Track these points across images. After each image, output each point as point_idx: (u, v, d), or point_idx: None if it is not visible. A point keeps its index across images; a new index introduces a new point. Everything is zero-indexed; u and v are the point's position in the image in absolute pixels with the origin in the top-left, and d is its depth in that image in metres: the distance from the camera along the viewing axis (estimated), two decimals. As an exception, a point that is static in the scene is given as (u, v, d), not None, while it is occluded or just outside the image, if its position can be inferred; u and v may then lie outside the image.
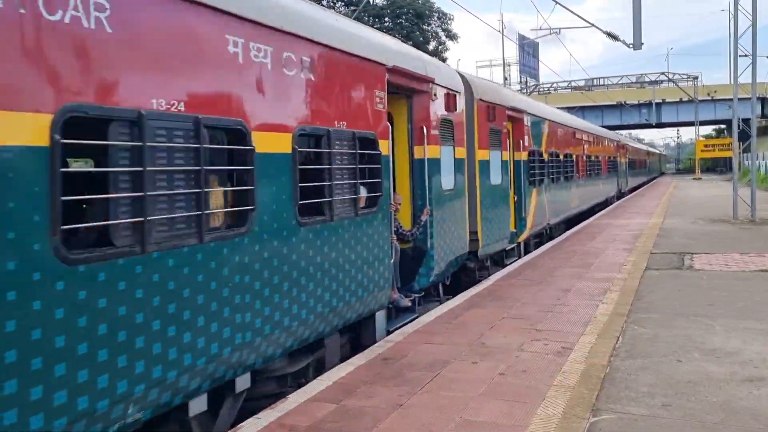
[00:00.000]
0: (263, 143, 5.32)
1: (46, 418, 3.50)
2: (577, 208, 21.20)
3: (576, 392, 5.43)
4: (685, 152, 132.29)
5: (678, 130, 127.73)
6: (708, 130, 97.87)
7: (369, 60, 7.13)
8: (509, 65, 63.08)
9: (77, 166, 5.68)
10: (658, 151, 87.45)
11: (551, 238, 17.46)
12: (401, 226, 8.43)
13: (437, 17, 53.01)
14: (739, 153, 26.37)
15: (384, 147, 7.42)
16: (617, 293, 9.46)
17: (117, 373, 3.93)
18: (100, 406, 3.83)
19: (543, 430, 4.70)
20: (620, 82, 62.77)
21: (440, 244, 9.06)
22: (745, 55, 20.54)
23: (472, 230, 10.60)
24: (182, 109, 4.49)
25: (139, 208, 4.12)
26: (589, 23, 22.80)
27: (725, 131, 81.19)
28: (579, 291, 9.74)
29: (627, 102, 63.66)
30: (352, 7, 44.29)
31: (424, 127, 8.65)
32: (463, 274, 10.98)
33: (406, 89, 8.41)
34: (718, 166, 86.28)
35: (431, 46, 51.82)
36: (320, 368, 6.47)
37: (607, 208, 27.24)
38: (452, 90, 9.82)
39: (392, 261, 7.71)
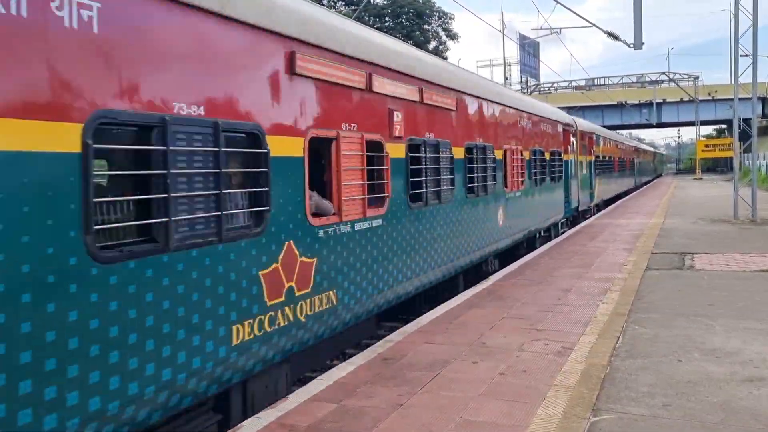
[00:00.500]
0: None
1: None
2: (614, 192, 32.75)
3: (576, 392, 5.44)
4: (686, 152, 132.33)
5: (679, 130, 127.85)
6: (708, 130, 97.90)
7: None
8: (510, 65, 63.14)
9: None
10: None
11: (599, 209, 26.72)
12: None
13: (438, 17, 53.04)
14: (740, 153, 26.37)
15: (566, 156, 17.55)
16: (617, 293, 9.46)
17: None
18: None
19: (543, 430, 4.70)
20: (621, 81, 62.71)
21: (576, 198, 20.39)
22: (746, 55, 20.56)
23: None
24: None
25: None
26: (590, 23, 22.81)
27: (726, 131, 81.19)
28: (579, 291, 9.74)
29: (627, 102, 63.65)
30: (353, 7, 44.29)
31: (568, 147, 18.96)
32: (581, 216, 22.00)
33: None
34: (718, 166, 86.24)
35: (432, 45, 51.84)
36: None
37: (606, 209, 27.34)
38: (572, 127, 20.36)
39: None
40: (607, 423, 4.81)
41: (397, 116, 7.83)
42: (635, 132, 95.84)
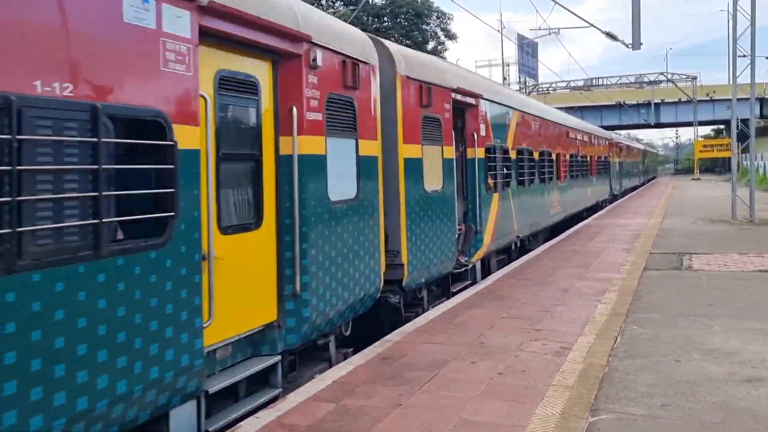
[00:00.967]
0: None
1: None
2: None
3: (575, 392, 5.44)
4: (684, 152, 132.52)
5: (677, 131, 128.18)
6: (707, 130, 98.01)
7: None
8: (508, 65, 63.10)
9: None
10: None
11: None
12: None
13: (436, 17, 52.98)
14: (738, 153, 26.39)
15: None
16: (616, 293, 9.46)
17: None
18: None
19: (542, 429, 4.70)
20: (619, 82, 62.90)
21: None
22: (744, 56, 20.56)
23: None
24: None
25: None
26: (589, 23, 22.83)
27: (724, 131, 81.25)
28: (578, 291, 9.74)
29: (626, 102, 63.71)
30: (351, 7, 44.27)
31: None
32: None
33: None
34: (716, 167, 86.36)
35: (430, 45, 51.82)
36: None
37: (605, 209, 27.34)
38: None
39: None
40: (606, 423, 4.81)
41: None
42: (633, 132, 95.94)
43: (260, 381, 5.69)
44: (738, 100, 21.48)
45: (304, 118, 5.98)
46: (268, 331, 5.79)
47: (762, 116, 63.66)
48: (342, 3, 47.34)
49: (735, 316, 7.93)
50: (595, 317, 8.04)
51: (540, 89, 58.21)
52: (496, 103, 12.68)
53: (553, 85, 59.48)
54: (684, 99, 60.56)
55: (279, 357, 5.77)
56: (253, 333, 5.64)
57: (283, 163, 5.89)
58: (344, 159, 6.80)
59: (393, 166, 8.23)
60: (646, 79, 63.08)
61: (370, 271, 7.26)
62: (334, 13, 35.51)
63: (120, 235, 4.14)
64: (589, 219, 22.57)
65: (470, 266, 10.90)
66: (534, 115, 16.16)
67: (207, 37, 4.92)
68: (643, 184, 52.26)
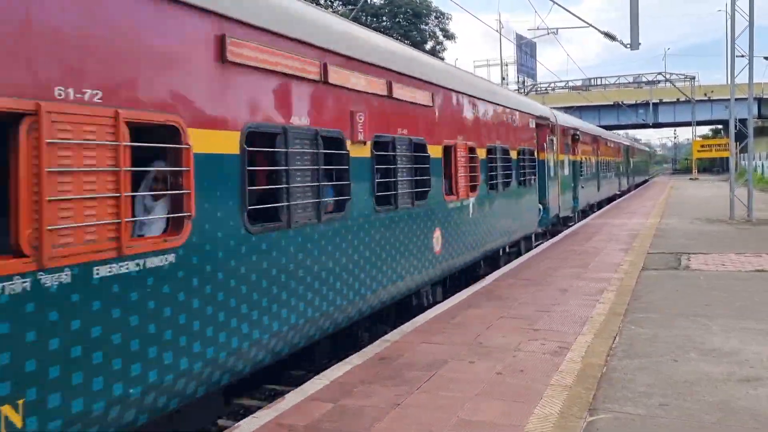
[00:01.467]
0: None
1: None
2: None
3: (573, 392, 5.44)
4: (682, 152, 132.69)
5: (675, 131, 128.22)
6: (705, 130, 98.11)
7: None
8: (507, 65, 63.19)
9: None
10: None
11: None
12: None
13: (435, 17, 53.04)
14: (736, 153, 26.43)
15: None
16: (614, 293, 9.47)
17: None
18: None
19: (540, 429, 4.70)
20: (617, 82, 62.88)
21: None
22: (742, 56, 20.58)
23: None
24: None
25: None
26: (587, 23, 22.82)
27: (722, 131, 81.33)
28: (577, 291, 9.74)
29: (624, 102, 63.72)
30: (350, 7, 44.26)
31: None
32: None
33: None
34: (714, 167, 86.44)
35: (429, 45, 51.85)
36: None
37: (604, 208, 27.39)
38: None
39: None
40: (604, 423, 4.81)
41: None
42: (632, 132, 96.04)
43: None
44: (736, 100, 21.49)
45: (561, 146, 18.62)
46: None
47: (760, 116, 63.73)
48: (340, 3, 47.32)
49: (733, 316, 7.93)
50: (594, 317, 8.04)
51: (538, 89, 58.19)
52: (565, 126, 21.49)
53: (552, 84, 59.42)
54: (682, 99, 60.61)
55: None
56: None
57: (540, 163, 16.71)
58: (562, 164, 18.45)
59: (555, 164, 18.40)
60: (644, 79, 63.03)
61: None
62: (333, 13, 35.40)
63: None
64: (587, 219, 22.59)
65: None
66: (586, 133, 25.14)
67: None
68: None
